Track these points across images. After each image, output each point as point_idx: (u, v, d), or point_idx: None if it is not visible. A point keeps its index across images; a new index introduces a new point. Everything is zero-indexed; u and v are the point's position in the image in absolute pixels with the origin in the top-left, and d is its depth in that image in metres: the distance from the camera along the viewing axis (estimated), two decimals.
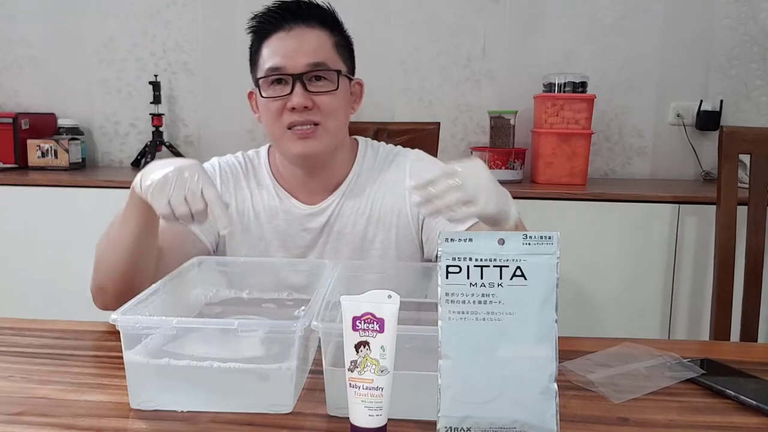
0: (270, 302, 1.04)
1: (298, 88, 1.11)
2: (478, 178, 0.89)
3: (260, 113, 1.19)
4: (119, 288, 1.01)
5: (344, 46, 1.19)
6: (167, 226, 1.13)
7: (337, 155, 1.21)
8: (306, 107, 1.12)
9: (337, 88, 1.14)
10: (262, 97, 1.15)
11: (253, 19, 1.16)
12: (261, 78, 1.14)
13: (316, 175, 1.21)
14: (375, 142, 1.30)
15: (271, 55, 1.13)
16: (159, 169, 0.94)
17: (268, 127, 1.19)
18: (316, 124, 1.14)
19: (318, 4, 1.17)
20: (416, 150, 1.30)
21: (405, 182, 1.21)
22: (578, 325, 1.95)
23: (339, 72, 1.14)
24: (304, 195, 1.23)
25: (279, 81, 1.13)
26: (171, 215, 0.91)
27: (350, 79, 1.20)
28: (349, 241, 1.21)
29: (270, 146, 1.28)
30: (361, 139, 1.30)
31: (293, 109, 1.12)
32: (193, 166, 0.93)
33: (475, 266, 0.66)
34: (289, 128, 1.14)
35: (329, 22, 1.16)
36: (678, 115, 2.47)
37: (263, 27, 1.15)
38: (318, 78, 1.13)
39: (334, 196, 1.22)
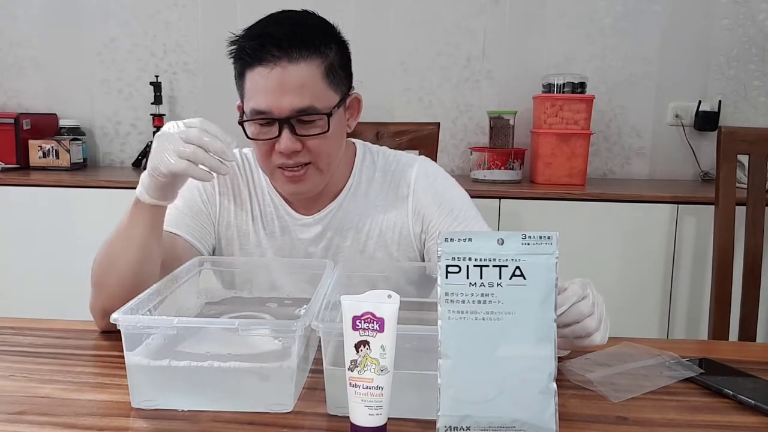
0: (270, 302, 1.04)
1: (286, 132, 1.03)
2: (603, 315, 0.85)
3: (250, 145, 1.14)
4: None
5: (338, 64, 1.07)
6: (175, 214, 1.11)
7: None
8: (295, 150, 1.05)
9: (327, 130, 1.05)
10: (248, 137, 1.07)
11: (232, 44, 1.06)
12: (246, 121, 1.06)
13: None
14: (374, 146, 1.24)
15: (255, 95, 1.04)
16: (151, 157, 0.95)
17: (258, 161, 1.14)
18: (306, 164, 1.08)
19: (305, 26, 1.06)
20: (421, 159, 1.23)
21: (409, 199, 1.18)
22: None
23: (329, 114, 1.05)
24: (299, 204, 1.18)
25: (264, 121, 1.05)
26: (188, 164, 0.91)
27: (346, 99, 1.11)
28: (348, 255, 1.17)
29: None
30: (358, 143, 1.24)
31: (281, 152, 1.05)
32: (171, 124, 0.95)
33: (474, 266, 0.67)
34: (279, 167, 1.08)
35: (318, 43, 1.04)
36: (677, 116, 2.48)
37: (243, 57, 1.05)
38: (307, 121, 1.05)
39: (330, 207, 1.17)
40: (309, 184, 1.10)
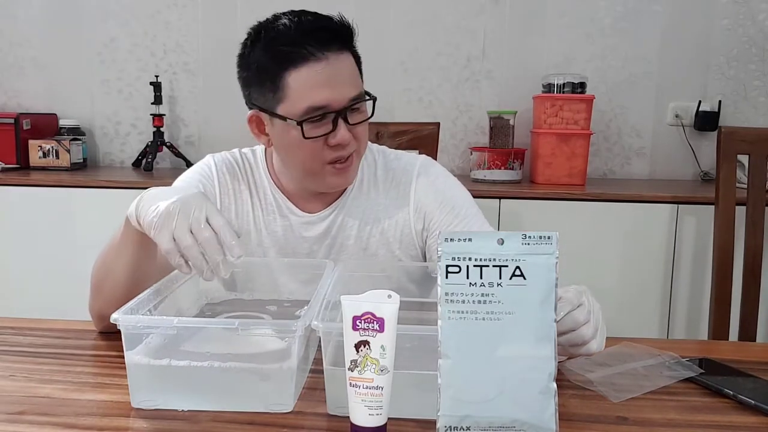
0: (270, 302, 1.04)
1: (343, 124, 1.05)
2: (599, 322, 0.85)
3: (292, 149, 1.09)
4: None
5: (359, 58, 1.12)
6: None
7: None
8: (349, 141, 1.07)
9: (372, 114, 1.10)
10: (305, 138, 1.04)
11: (271, 41, 1.05)
12: (304, 120, 1.04)
13: None
14: (374, 145, 1.26)
15: (307, 92, 1.03)
16: (159, 200, 0.87)
17: (300, 164, 1.11)
18: (350, 153, 1.10)
19: (340, 24, 1.07)
20: (422, 157, 1.25)
21: (410, 197, 1.19)
22: None
23: (374, 99, 1.10)
24: (302, 202, 1.18)
25: (319, 117, 1.05)
26: (174, 250, 0.83)
27: None
28: (351, 253, 1.18)
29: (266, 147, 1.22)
30: None
31: (337, 144, 1.06)
32: (197, 196, 0.87)
33: (474, 266, 0.67)
34: (330, 163, 1.08)
35: (348, 38, 1.08)
36: (677, 116, 2.48)
37: (287, 59, 1.03)
38: (355, 109, 1.08)
39: (333, 206, 1.18)
40: (352, 173, 1.14)
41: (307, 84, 1.03)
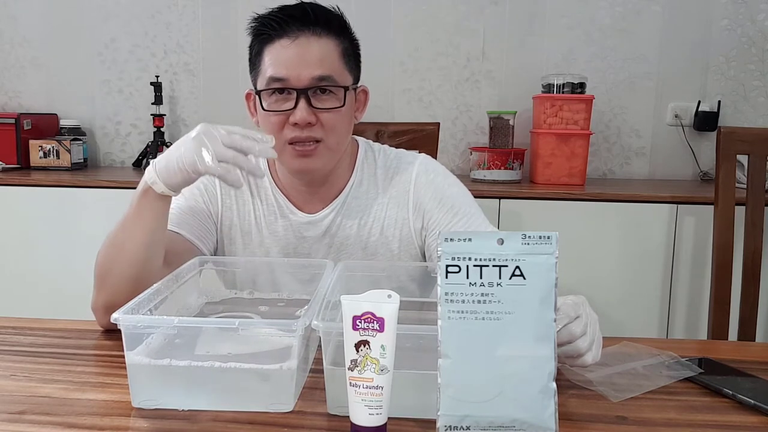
0: (270, 302, 1.04)
1: (302, 103, 1.06)
2: (596, 334, 0.84)
3: (260, 122, 1.14)
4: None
5: (351, 52, 1.13)
6: (176, 223, 1.12)
7: (337, 166, 1.17)
8: (309, 123, 1.07)
9: (342, 105, 1.09)
10: (264, 109, 1.09)
11: (255, 20, 1.10)
12: (263, 90, 1.09)
13: (315, 186, 1.18)
14: (376, 144, 1.26)
15: (274, 64, 1.07)
16: (178, 145, 0.94)
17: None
18: (317, 141, 1.09)
19: (325, 9, 1.10)
20: (422, 156, 1.24)
21: (410, 196, 1.19)
22: None
23: (346, 88, 1.09)
24: (302, 202, 1.19)
25: (281, 92, 1.08)
26: (224, 170, 0.90)
27: (356, 89, 1.15)
28: (351, 252, 1.18)
29: None
30: (360, 140, 1.25)
31: (296, 124, 1.07)
32: (209, 124, 0.94)
33: (474, 266, 0.67)
34: (290, 143, 1.09)
35: (337, 27, 1.10)
36: (676, 116, 2.48)
37: (265, 31, 1.08)
38: (323, 91, 1.08)
39: (333, 205, 1.18)
40: (319, 162, 1.12)
41: (274, 57, 1.08)
